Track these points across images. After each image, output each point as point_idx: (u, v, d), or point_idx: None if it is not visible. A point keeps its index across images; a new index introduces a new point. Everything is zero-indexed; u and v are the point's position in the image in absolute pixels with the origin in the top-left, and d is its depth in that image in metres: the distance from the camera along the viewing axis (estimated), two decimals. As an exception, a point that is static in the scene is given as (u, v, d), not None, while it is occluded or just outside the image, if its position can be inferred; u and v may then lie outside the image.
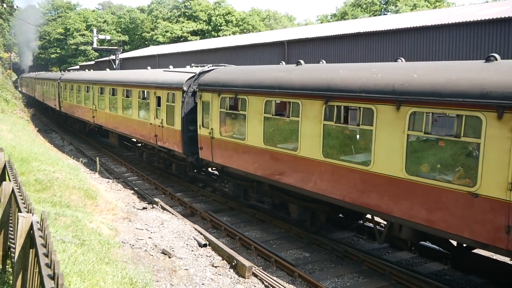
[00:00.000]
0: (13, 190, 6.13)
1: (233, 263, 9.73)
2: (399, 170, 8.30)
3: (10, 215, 6.37)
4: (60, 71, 52.79)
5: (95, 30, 71.47)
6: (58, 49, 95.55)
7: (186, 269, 9.33)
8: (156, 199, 14.57)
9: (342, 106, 9.74)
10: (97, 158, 21.42)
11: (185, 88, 15.24)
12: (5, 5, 47.86)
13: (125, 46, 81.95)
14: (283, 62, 13.41)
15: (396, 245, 10.80)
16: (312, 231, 11.61)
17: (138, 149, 21.57)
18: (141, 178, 19.20)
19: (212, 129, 13.66)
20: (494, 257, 9.73)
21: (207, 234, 11.41)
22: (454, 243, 8.89)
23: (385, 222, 9.81)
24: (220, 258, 10.20)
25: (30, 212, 4.93)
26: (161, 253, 9.77)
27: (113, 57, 54.73)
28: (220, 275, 9.39)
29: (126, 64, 57.12)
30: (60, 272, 3.33)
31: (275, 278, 9.23)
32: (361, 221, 11.85)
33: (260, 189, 12.77)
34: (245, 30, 74.47)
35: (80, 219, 9.02)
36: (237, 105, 12.73)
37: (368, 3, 68.36)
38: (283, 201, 12.25)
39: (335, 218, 12.20)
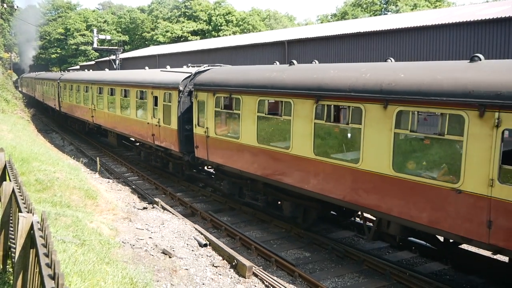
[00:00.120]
0: (13, 190, 6.13)
1: (234, 263, 9.74)
2: (387, 168, 8.52)
3: (11, 215, 6.37)
4: (60, 71, 52.77)
5: (95, 30, 71.53)
6: (59, 49, 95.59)
7: (187, 269, 9.33)
8: (157, 199, 14.57)
9: (332, 105, 9.94)
10: (98, 158, 21.44)
11: (181, 88, 15.41)
12: (5, 5, 47.87)
13: (126, 46, 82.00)
14: (277, 62, 13.62)
15: (397, 245, 10.82)
16: (304, 227, 11.82)
17: (136, 148, 21.70)
18: (142, 178, 19.21)
19: (207, 128, 13.82)
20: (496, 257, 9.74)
21: (208, 234, 11.41)
22: (441, 238, 9.09)
23: (375, 219, 9.99)
24: (221, 258, 10.20)
25: (31, 212, 4.93)
26: (161, 253, 9.77)
27: (113, 57, 54.78)
28: (220, 275, 9.39)
29: (126, 64, 57.14)
30: (61, 272, 3.33)
31: (275, 278, 9.23)
32: (353, 218, 12.08)
33: (254, 187, 12.97)
34: (245, 30, 74.49)
35: (81, 219, 9.03)
36: (231, 105, 12.92)
37: (368, 3, 68.38)
38: (277, 199, 12.47)
39: (327, 216, 12.44)
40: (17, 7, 57.45)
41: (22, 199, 5.71)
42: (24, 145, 16.36)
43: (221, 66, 16.33)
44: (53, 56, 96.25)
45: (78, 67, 76.93)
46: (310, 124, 10.12)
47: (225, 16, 77.21)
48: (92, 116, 25.42)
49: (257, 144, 11.77)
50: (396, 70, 8.84)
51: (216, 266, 9.72)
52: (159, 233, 11.12)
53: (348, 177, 9.35)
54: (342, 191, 9.57)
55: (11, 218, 6.37)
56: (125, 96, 20.55)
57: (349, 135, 9.80)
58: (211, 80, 13.88)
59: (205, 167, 17.89)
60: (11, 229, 6.25)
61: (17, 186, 6.34)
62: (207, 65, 16.95)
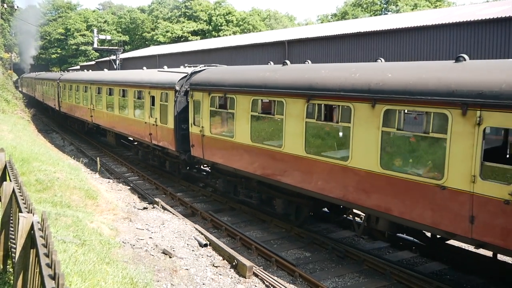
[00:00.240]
0: (13, 190, 6.14)
1: (234, 263, 9.74)
2: (375, 165, 8.72)
3: (11, 215, 6.38)
4: (61, 72, 52.80)
5: (95, 30, 71.53)
6: (59, 49, 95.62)
7: (187, 269, 9.33)
8: (157, 199, 14.58)
9: (323, 105, 10.11)
10: (98, 158, 21.47)
11: (177, 88, 15.55)
12: (5, 5, 47.89)
13: (126, 46, 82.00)
14: (271, 62, 13.79)
15: (394, 243, 10.86)
16: (297, 224, 11.96)
17: (134, 147, 21.81)
18: (142, 178, 19.22)
19: (202, 127, 13.96)
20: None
21: (208, 234, 11.42)
22: (429, 234, 9.27)
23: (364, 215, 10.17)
24: (221, 258, 10.21)
25: (31, 212, 4.93)
26: (161, 253, 9.77)
27: (113, 57, 54.80)
28: (220, 275, 9.39)
29: (127, 64, 57.14)
30: (61, 272, 3.33)
31: (275, 278, 9.24)
32: (345, 215, 12.21)
33: (248, 185, 13.16)
34: (245, 30, 74.49)
35: (81, 219, 9.03)
36: (226, 104, 13.12)
37: (368, 2, 68.38)
38: (270, 196, 12.65)
39: (320, 213, 12.65)
40: (17, 7, 57.51)
41: (23, 199, 5.72)
42: (24, 145, 16.36)
43: (216, 66, 16.49)
44: (54, 56, 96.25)
45: (78, 67, 76.96)
46: (301, 123, 10.32)
47: (225, 16, 77.23)
48: (91, 116, 25.54)
49: (251, 142, 11.95)
50: (384, 70, 9.04)
51: (216, 266, 9.73)
52: (160, 233, 11.12)
53: (338, 175, 9.56)
54: (332, 188, 9.77)
55: (11, 218, 6.37)
56: (123, 96, 20.70)
57: (339, 133, 10.01)
58: (206, 80, 14.05)
59: (201, 166, 18.07)
60: (12, 229, 6.25)
61: (18, 186, 6.34)
62: (203, 65, 17.11)
